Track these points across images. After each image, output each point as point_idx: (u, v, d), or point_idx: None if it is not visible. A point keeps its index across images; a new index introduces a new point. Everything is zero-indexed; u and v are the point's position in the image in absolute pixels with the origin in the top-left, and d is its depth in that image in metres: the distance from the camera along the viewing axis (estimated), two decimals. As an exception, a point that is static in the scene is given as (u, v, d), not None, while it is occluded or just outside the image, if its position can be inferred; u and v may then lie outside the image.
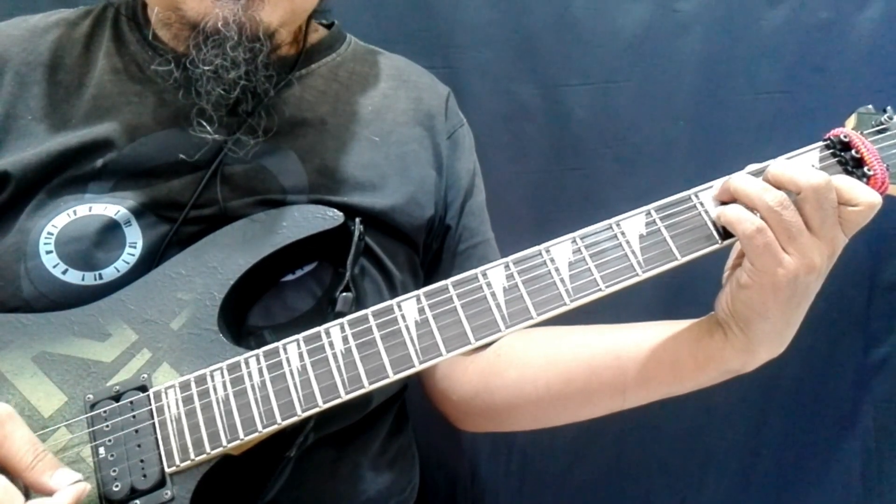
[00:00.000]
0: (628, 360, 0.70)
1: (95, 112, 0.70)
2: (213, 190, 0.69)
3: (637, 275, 0.61)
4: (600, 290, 0.61)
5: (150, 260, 0.66)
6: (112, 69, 0.72)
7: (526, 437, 1.16)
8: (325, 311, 0.67)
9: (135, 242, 0.66)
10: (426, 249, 0.80)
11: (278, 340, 0.61)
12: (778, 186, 0.59)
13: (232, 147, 0.69)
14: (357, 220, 0.69)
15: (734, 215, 0.59)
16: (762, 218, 0.58)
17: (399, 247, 0.75)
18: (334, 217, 0.67)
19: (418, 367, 0.60)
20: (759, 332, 0.63)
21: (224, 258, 0.66)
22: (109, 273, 0.65)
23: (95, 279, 0.65)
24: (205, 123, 0.68)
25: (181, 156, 0.69)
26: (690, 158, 1.12)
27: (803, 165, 0.61)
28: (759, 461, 1.21)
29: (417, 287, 0.78)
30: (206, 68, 0.66)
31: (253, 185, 0.70)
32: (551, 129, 1.11)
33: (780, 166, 0.60)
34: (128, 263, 0.66)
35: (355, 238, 0.67)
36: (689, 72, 1.11)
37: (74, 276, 0.65)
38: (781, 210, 0.58)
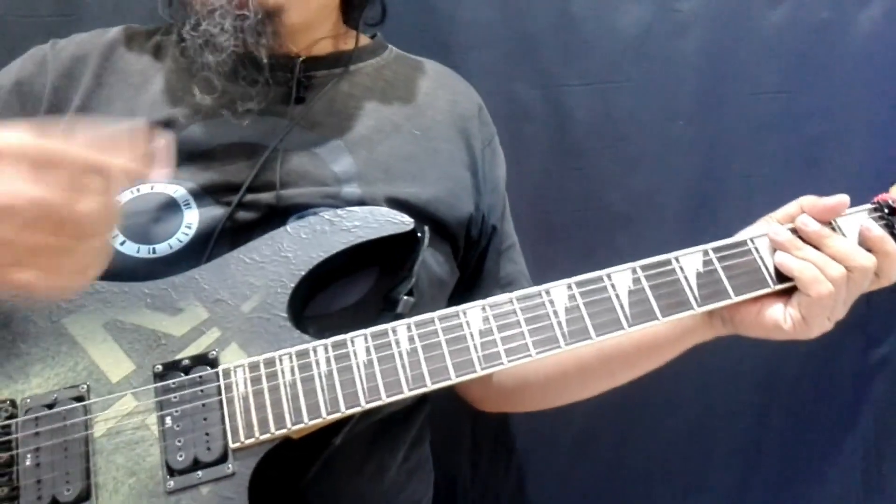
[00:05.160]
0: (611, 350, 0.79)
1: (160, 101, 0.76)
2: (269, 174, 0.72)
3: (692, 308, 0.67)
4: (657, 319, 0.66)
5: (205, 241, 0.70)
6: (177, 69, 0.79)
7: (526, 437, 1.16)
8: (370, 305, 0.71)
9: (190, 223, 0.70)
10: (468, 247, 0.83)
11: (323, 330, 0.65)
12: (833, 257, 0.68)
13: (225, 112, 0.74)
14: (426, 228, 0.72)
15: (812, 275, 0.67)
16: (830, 281, 0.67)
17: (441, 242, 0.78)
18: (404, 222, 0.70)
19: (480, 373, 0.64)
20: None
21: (297, 249, 0.68)
22: (162, 249, 0.69)
23: (149, 253, 0.69)
24: (202, 90, 0.74)
25: (238, 140, 0.74)
26: (690, 158, 1.12)
27: (858, 248, 0.69)
28: (759, 461, 1.21)
29: (452, 284, 0.83)
30: (195, 35, 0.73)
31: (306, 170, 0.74)
32: (551, 129, 1.11)
33: (839, 243, 0.68)
34: (181, 242, 0.69)
35: (424, 244, 0.71)
36: (689, 72, 1.11)
37: (130, 248, 0.69)
38: (850, 283, 0.68)
